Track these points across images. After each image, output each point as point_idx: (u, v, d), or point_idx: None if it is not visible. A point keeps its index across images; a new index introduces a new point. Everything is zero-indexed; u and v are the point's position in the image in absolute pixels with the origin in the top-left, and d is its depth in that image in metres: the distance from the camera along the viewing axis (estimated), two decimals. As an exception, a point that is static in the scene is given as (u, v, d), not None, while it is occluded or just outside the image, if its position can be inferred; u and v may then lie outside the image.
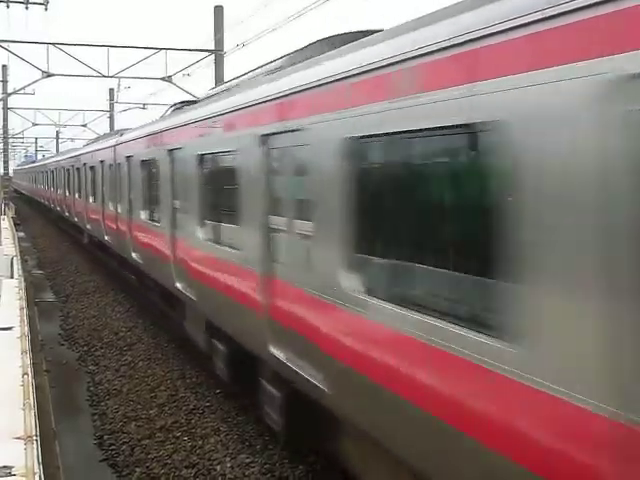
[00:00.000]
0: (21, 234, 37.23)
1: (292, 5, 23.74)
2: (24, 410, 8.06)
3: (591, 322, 3.56)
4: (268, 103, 7.94)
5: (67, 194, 33.58)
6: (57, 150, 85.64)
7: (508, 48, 4.10)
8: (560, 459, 3.79)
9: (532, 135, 3.91)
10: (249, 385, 9.33)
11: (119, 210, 18.81)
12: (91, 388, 12.33)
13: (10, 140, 74.27)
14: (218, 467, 8.84)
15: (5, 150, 60.95)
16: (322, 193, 6.52)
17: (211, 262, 10.23)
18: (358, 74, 5.82)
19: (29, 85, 33.51)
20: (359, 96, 5.81)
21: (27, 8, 30.30)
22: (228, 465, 8.87)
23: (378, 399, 5.65)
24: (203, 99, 12.68)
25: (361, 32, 7.84)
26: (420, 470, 5.30)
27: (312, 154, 6.74)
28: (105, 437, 10.11)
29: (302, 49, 9.13)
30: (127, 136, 18.25)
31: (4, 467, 6.69)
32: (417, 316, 5.09)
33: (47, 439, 8.90)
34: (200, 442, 9.60)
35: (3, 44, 29.12)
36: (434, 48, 4.81)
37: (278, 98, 7.62)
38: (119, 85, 47.48)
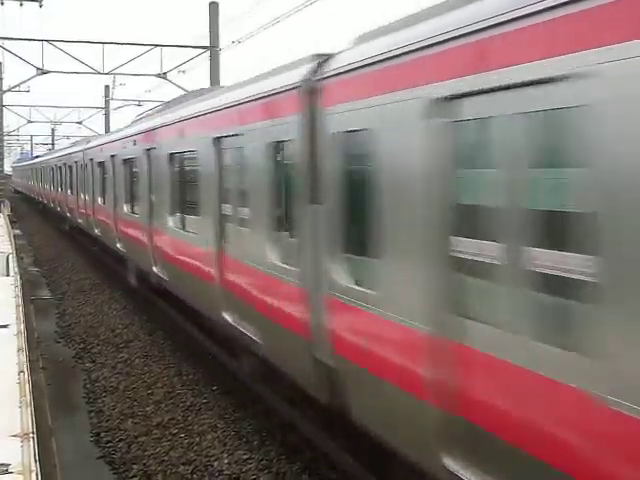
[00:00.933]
0: (17, 231, 37.18)
1: (287, 2, 23.70)
2: (21, 408, 8.05)
3: None
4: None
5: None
6: (53, 147, 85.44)
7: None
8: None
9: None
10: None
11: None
12: (87, 385, 12.32)
13: (5, 138, 74.20)
14: (215, 464, 8.84)
15: (0, 147, 60.82)
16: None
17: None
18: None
19: (24, 82, 33.47)
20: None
21: (21, 5, 30.25)
22: (225, 462, 8.87)
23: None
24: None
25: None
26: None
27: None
28: (102, 434, 10.11)
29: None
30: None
31: (1, 465, 6.68)
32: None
33: (44, 437, 8.89)
34: (197, 439, 9.59)
35: (-2, 41, 29.05)
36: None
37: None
38: (114, 82, 47.46)
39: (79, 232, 30.14)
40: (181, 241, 12.15)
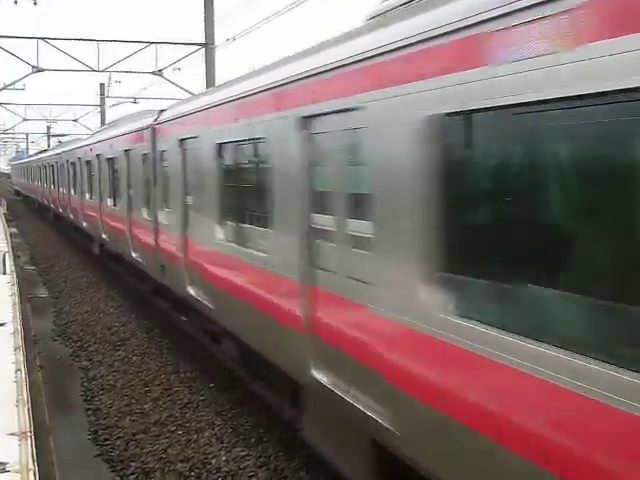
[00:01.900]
0: (13, 230, 37.14)
1: (282, -2, 23.66)
2: (18, 406, 8.05)
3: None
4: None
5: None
6: (48, 145, 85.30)
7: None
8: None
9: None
10: None
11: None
12: (85, 383, 12.32)
13: (0, 136, 73.98)
14: (213, 461, 8.85)
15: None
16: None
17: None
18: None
19: (19, 80, 33.41)
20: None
21: (16, 3, 30.20)
22: (223, 459, 8.88)
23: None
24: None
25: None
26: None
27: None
28: (99, 432, 10.11)
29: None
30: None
31: (-2, 463, 6.69)
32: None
33: (41, 435, 8.89)
34: (195, 436, 9.60)
35: (-8, 39, 28.98)
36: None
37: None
38: (110, 80, 47.42)
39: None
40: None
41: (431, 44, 4.95)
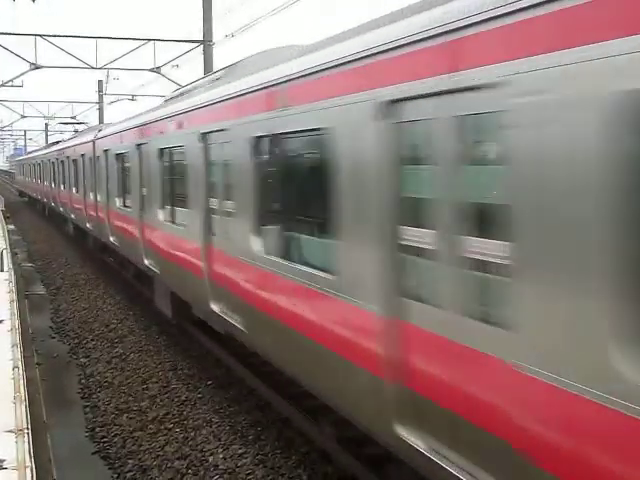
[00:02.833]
0: (11, 227, 37.10)
1: (281, -5, 23.63)
2: (15, 403, 8.05)
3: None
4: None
5: None
6: (46, 142, 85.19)
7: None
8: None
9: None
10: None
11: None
12: (82, 381, 12.31)
13: (-1, 133, 73.86)
14: (210, 458, 8.84)
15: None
16: None
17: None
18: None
19: (17, 77, 33.35)
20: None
21: (14, 0, 30.13)
22: (220, 456, 8.87)
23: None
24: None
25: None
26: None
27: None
28: (97, 429, 10.10)
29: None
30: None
31: (-5, 460, 6.68)
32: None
33: (39, 432, 8.89)
34: (192, 433, 9.60)
35: (-10, 36, 28.93)
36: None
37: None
38: (108, 76, 47.35)
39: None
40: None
41: None
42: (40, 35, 29.43)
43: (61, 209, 33.07)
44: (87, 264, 24.89)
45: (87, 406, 11.08)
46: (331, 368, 6.56)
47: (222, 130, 9.47)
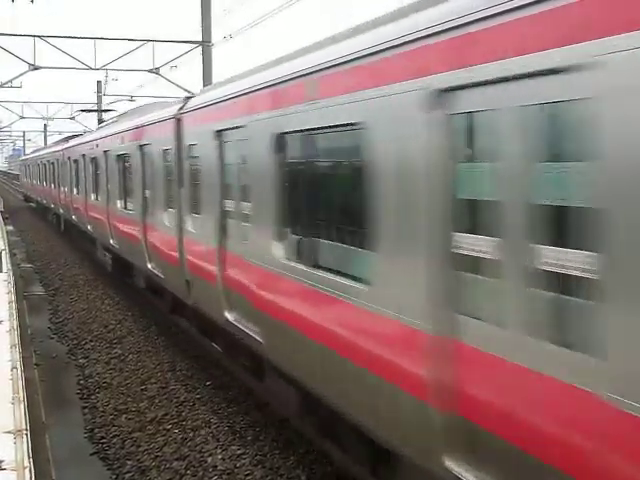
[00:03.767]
0: (10, 228, 37.07)
1: (279, -4, 23.62)
2: (14, 404, 8.04)
3: None
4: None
5: None
6: (45, 143, 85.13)
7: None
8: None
9: None
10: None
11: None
12: (81, 381, 12.31)
13: (-2, 134, 73.79)
14: (209, 459, 8.84)
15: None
16: None
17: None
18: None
19: (16, 78, 33.34)
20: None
21: (13, 1, 30.14)
22: (219, 457, 8.87)
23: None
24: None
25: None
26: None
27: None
28: (96, 430, 10.10)
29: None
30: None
31: (-6, 461, 6.68)
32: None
33: (37, 433, 8.89)
34: (191, 434, 9.60)
35: (-11, 37, 28.93)
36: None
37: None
38: (106, 77, 47.35)
39: None
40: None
41: None
42: (39, 36, 29.42)
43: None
44: (86, 265, 24.88)
45: (86, 407, 11.08)
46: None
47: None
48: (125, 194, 17.27)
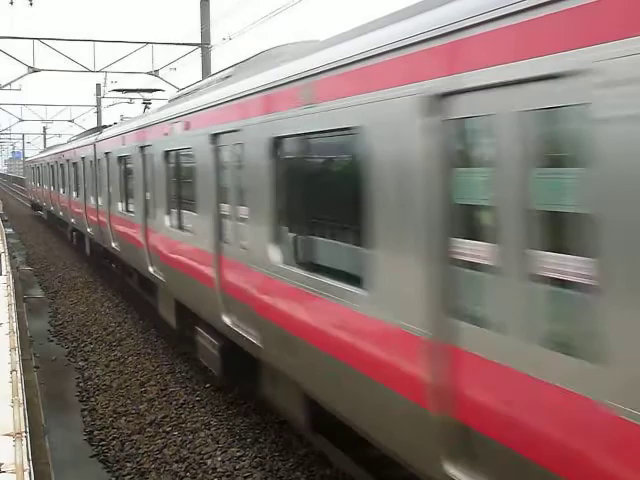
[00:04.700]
0: (9, 230, 37.07)
1: (278, -2, 23.68)
2: (13, 407, 8.04)
3: None
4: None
5: None
6: (44, 146, 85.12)
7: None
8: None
9: None
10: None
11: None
12: (81, 384, 12.31)
13: (-3, 136, 73.75)
14: (209, 461, 8.84)
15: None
16: None
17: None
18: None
19: (15, 81, 33.37)
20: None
21: (12, 3, 30.15)
22: (219, 459, 8.88)
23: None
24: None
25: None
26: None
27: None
28: (95, 432, 10.10)
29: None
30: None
31: (-6, 464, 6.69)
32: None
33: (37, 435, 8.89)
34: (190, 436, 9.60)
35: (-12, 40, 28.96)
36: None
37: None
38: (106, 80, 47.31)
39: None
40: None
41: None
42: (38, 38, 29.46)
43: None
44: (85, 267, 24.88)
45: (85, 409, 11.08)
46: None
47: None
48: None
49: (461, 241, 4.69)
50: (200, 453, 9.08)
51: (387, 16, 5.81)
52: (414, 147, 4.97)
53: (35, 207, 49.99)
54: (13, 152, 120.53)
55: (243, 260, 8.55)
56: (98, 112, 58.19)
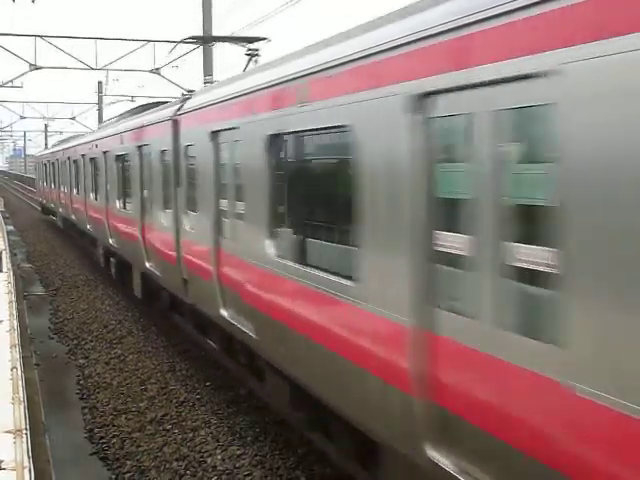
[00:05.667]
0: (10, 227, 37.08)
1: (280, -4, 23.67)
2: (13, 404, 8.05)
3: None
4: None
5: None
6: (46, 144, 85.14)
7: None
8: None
9: None
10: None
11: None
12: (81, 381, 12.31)
13: (-2, 134, 73.78)
14: (209, 459, 8.84)
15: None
16: None
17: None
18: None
19: (17, 78, 33.37)
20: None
21: (14, 1, 30.13)
22: (219, 457, 8.88)
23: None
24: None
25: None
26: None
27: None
28: (95, 430, 10.09)
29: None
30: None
31: (-6, 461, 6.69)
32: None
33: (37, 433, 8.90)
34: (190, 434, 9.60)
35: (-10, 37, 28.95)
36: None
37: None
38: (107, 77, 47.35)
39: None
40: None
41: None
42: (40, 36, 29.45)
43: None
44: (86, 265, 24.89)
45: (86, 407, 11.07)
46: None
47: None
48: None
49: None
50: (200, 451, 9.08)
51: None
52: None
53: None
54: (14, 149, 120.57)
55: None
56: (99, 110, 58.21)
